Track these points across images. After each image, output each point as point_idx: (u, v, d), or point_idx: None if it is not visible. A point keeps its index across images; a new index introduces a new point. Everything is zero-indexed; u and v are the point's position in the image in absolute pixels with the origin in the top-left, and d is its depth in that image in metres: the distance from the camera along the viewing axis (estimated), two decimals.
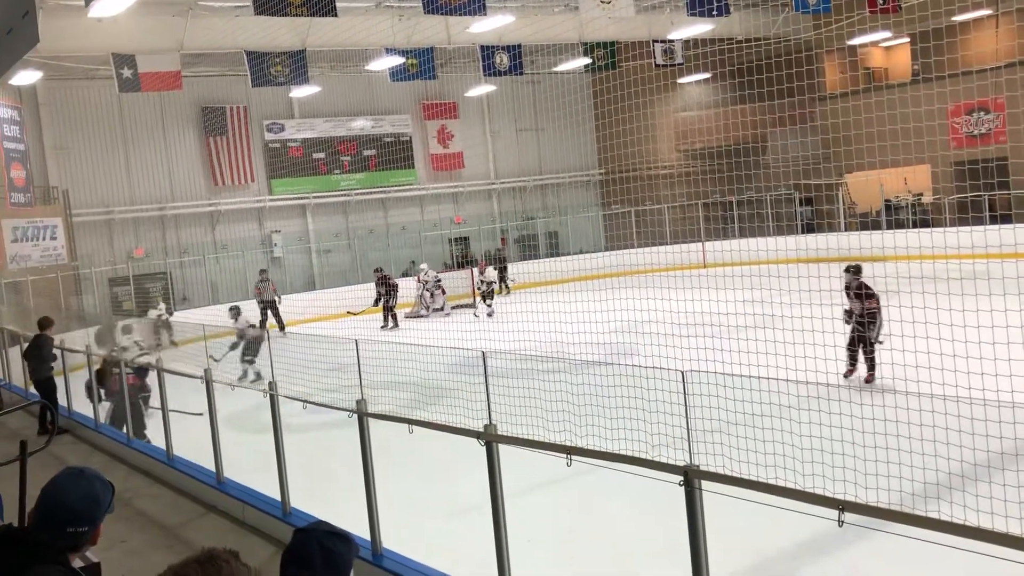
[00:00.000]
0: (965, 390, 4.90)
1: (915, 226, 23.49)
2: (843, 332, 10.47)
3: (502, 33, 22.35)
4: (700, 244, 26.73)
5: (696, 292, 15.17)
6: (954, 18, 23.62)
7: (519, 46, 23.00)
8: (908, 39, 26.83)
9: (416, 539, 6.54)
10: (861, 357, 10.66)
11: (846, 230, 25.68)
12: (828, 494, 4.02)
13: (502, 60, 23.05)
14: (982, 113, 24.14)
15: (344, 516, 6.15)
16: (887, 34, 26.30)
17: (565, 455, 4.97)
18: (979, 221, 20.07)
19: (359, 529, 6.14)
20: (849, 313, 10.89)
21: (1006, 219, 21.62)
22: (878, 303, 10.75)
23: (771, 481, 4.27)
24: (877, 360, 10.43)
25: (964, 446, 4.20)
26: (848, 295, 11.18)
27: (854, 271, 11.44)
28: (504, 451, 5.40)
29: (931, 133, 22.60)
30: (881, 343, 10.18)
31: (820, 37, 24.84)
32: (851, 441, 4.35)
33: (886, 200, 25.72)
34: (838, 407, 4.49)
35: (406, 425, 6.07)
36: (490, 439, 5.26)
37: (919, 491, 4.46)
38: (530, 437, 5.32)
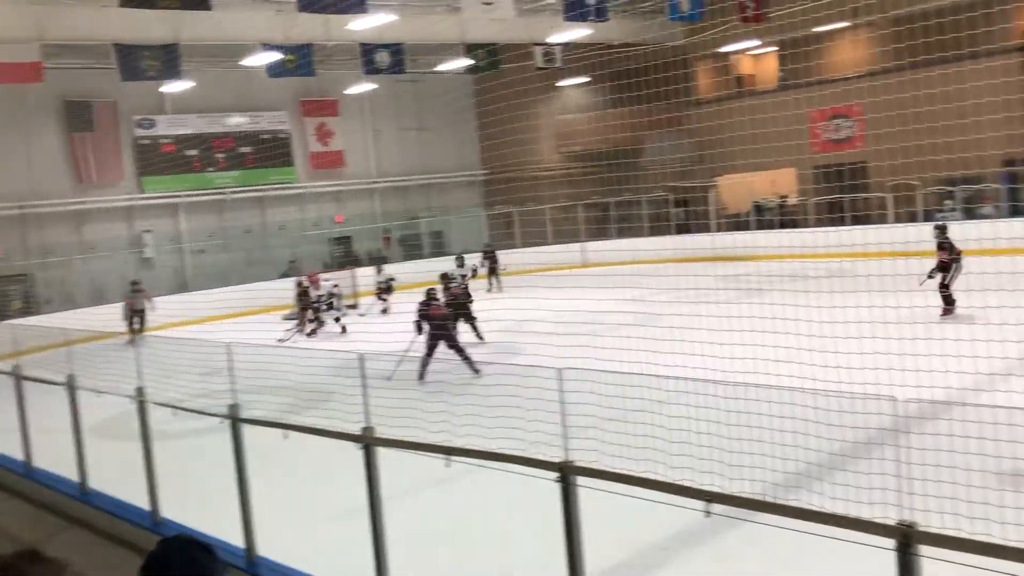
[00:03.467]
0: (823, 383, 5.17)
1: (781, 227, 24.55)
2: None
3: (383, 31, 22.15)
4: (580, 244, 27.20)
5: (577, 291, 15.43)
6: (816, 28, 24.81)
7: (400, 45, 22.86)
8: (775, 48, 28.07)
9: (293, 545, 6.42)
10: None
11: (717, 230, 26.62)
12: (697, 486, 4.18)
13: (383, 58, 22.87)
14: (842, 119, 25.46)
15: (218, 524, 5.99)
16: (755, 42, 27.40)
17: (444, 456, 4.99)
18: (840, 222, 21.16)
19: (234, 537, 5.99)
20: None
21: (864, 220, 22.88)
22: (951, 254, 13.38)
23: (644, 475, 4.40)
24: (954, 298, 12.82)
25: (823, 436, 4.43)
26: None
27: (940, 229, 14.04)
28: (385, 454, 5.36)
29: (795, 137, 23.69)
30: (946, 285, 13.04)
31: (693, 44, 25.65)
32: (718, 434, 4.52)
33: (754, 202, 26.80)
34: (704, 401, 4.66)
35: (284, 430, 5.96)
36: (368, 442, 5.22)
37: (781, 481, 4.67)
38: (409, 439, 5.31)
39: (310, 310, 19.46)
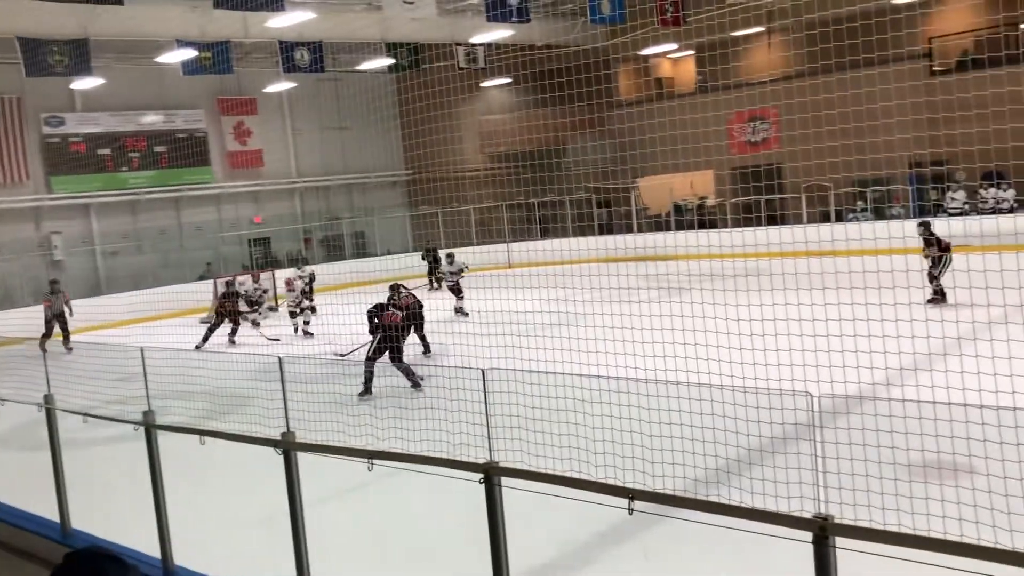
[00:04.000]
0: (742, 380, 5.26)
1: (701, 227, 25.02)
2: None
3: (302, 29, 21.82)
4: (505, 245, 27.25)
5: (502, 292, 15.43)
6: (733, 33, 25.34)
7: (320, 43, 22.55)
8: (693, 51, 28.58)
9: (213, 554, 6.26)
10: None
11: (639, 231, 26.98)
12: (620, 484, 4.21)
13: (303, 56, 22.54)
14: (758, 122, 26.06)
15: (133, 534, 5.81)
16: (674, 46, 27.87)
17: (366, 460, 4.92)
18: (756, 222, 21.64)
19: (150, 547, 5.82)
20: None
21: (780, 220, 23.47)
22: (940, 248, 14.04)
23: (568, 474, 4.42)
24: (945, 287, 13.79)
25: (742, 433, 4.51)
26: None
27: (924, 225, 14.62)
28: (306, 458, 5.27)
29: (714, 139, 24.17)
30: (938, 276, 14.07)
31: (614, 46, 25.92)
32: (640, 432, 4.56)
33: (675, 203, 27.26)
34: (627, 399, 4.70)
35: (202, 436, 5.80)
36: (288, 447, 5.12)
37: (702, 477, 4.74)
38: (331, 443, 5.23)
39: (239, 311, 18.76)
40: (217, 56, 21.19)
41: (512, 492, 4.39)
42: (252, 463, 6.30)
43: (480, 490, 4.41)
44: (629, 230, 27.24)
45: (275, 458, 5.16)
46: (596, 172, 27.75)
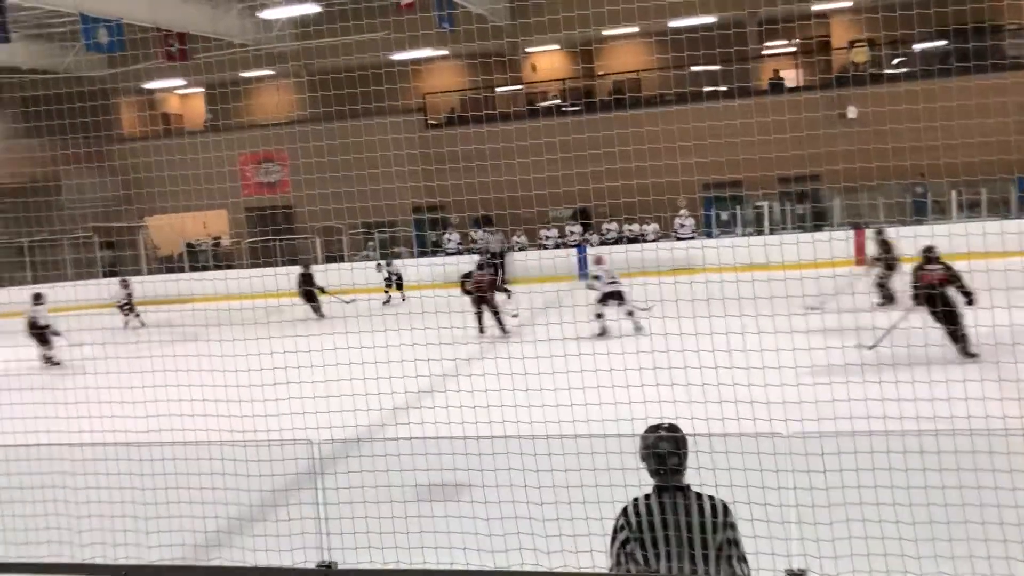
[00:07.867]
0: (243, 433, 5.09)
1: (217, 268, 24.33)
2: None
3: None
4: None
5: None
6: (241, 73, 25.26)
7: None
8: (202, 88, 27.89)
9: None
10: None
11: (150, 274, 25.40)
12: (109, 562, 3.83)
13: None
14: (270, 164, 26.19)
15: None
16: (182, 82, 26.90)
17: None
18: (272, 263, 21.62)
19: None
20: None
21: (294, 261, 23.71)
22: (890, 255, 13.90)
23: (46, 559, 3.90)
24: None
25: (242, 489, 4.35)
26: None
27: (878, 231, 14.55)
28: None
29: (225, 180, 23.78)
30: None
31: (115, 76, 24.27)
32: (133, 501, 4.19)
33: (187, 243, 26.17)
34: (118, 467, 4.29)
35: None
36: None
37: (203, 541, 4.51)
38: None
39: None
40: None
41: None
42: None
43: None
44: (138, 273, 25.45)
45: None
46: (97, 211, 25.54)
